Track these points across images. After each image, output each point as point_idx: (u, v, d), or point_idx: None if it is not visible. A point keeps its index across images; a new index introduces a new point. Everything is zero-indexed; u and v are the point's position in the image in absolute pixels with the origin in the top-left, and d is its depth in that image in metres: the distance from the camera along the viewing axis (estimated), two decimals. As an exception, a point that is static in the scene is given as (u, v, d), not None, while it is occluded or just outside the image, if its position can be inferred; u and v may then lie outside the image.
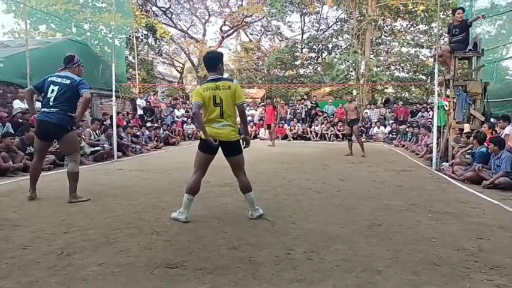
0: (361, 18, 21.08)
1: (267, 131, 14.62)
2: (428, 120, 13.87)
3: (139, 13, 21.15)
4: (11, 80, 10.34)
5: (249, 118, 14.98)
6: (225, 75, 3.97)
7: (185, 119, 15.88)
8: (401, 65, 24.18)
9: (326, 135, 15.84)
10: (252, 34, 30.00)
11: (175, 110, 16.44)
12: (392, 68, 24.57)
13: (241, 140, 3.87)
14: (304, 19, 27.25)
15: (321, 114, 17.06)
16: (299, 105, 18.27)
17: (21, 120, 8.28)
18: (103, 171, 7.20)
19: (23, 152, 7.02)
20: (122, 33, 17.17)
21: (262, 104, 17.86)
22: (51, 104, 4.43)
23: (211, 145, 3.64)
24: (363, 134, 10.81)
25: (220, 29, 28.74)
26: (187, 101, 19.63)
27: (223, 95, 3.66)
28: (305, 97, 20.32)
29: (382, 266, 2.72)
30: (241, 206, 4.33)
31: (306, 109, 17.60)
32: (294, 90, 24.73)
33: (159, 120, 14.70)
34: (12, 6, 17.61)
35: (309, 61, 26.53)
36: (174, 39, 27.50)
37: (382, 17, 21.39)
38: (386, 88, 23.51)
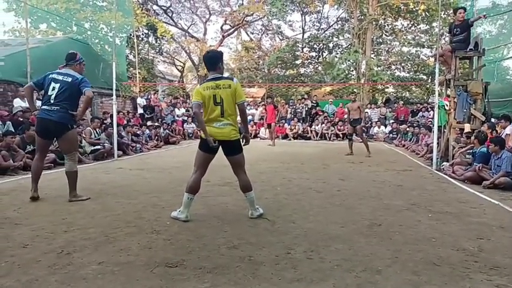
0: (362, 17, 21.07)
1: (267, 130, 14.62)
2: (429, 120, 13.87)
3: (140, 12, 21.14)
4: (11, 78, 10.35)
5: (249, 117, 14.97)
6: (226, 74, 3.97)
7: (185, 118, 15.88)
8: (402, 64, 24.16)
9: (326, 134, 15.83)
10: (252, 33, 30.03)
11: (176, 109, 16.44)
12: (393, 67, 24.56)
13: (241, 138, 3.87)
14: (305, 18, 27.27)
15: (321, 113, 17.05)
16: (299, 104, 18.26)
17: (21, 119, 8.28)
18: (103, 170, 7.21)
19: (24, 150, 7.02)
20: (123, 32, 17.17)
21: (263, 103, 17.87)
22: (52, 101, 4.39)
23: (211, 145, 3.64)
24: (363, 134, 10.79)
25: (221, 28, 28.76)
26: (188, 100, 19.62)
27: (224, 94, 3.66)
28: (306, 96, 20.32)
29: (382, 265, 2.72)
30: (241, 205, 4.33)
31: (307, 108, 17.59)
32: (295, 90, 24.74)
33: (160, 119, 14.70)
34: (13, 4, 17.63)
35: (309, 60, 26.52)
36: (175, 38, 27.51)
37: (383, 17, 21.38)
38: (387, 88, 23.50)
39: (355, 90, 19.25)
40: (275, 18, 25.30)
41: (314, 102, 18.23)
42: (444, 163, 7.56)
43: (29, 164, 6.07)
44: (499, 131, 7.06)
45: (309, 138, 15.81)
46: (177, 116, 15.97)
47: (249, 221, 3.79)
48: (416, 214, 4.16)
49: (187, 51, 28.97)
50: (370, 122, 16.66)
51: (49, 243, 3.10)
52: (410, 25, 23.30)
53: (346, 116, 16.38)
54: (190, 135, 15.24)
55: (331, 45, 24.93)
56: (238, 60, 29.33)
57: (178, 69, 31.68)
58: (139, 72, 18.96)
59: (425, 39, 22.56)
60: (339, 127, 16.00)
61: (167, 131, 13.44)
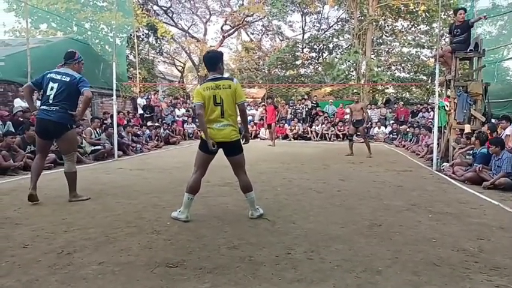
0: (362, 18, 21.08)
1: (267, 130, 14.62)
2: (429, 120, 13.86)
3: (140, 12, 21.16)
4: (12, 78, 10.35)
5: (249, 118, 14.97)
6: (226, 75, 3.96)
7: (186, 118, 15.88)
8: (402, 65, 24.16)
9: (326, 135, 15.83)
10: (252, 34, 30.05)
11: (176, 110, 16.44)
12: (393, 68, 24.56)
13: (241, 138, 3.87)
14: (305, 19, 27.29)
15: (321, 114, 17.05)
16: (300, 105, 18.26)
17: (22, 119, 8.29)
18: (103, 170, 7.21)
19: (24, 150, 7.03)
20: (123, 32, 17.18)
21: (263, 103, 17.86)
22: (50, 102, 4.33)
23: (210, 148, 3.64)
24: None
25: (221, 28, 28.76)
26: (188, 101, 19.63)
27: (224, 94, 3.66)
28: (306, 97, 20.32)
29: (382, 266, 2.72)
30: (241, 205, 4.33)
31: (307, 109, 17.58)
32: (295, 90, 24.72)
33: (160, 120, 14.70)
34: (13, 5, 17.66)
35: (309, 61, 26.53)
36: (175, 38, 27.51)
37: (383, 17, 21.38)
38: (387, 88, 23.49)
39: (355, 90, 19.31)
40: (275, 19, 25.32)
41: (314, 102, 18.23)
42: (444, 164, 7.56)
43: (29, 164, 6.06)
44: (499, 132, 7.06)
45: (309, 139, 15.80)
46: (177, 116, 15.97)
47: (249, 221, 3.79)
48: (416, 215, 4.16)
49: (188, 51, 28.99)
50: (370, 123, 16.65)
51: (49, 243, 3.10)
52: (410, 26, 23.30)
53: (347, 117, 16.57)
54: (191, 135, 15.25)
55: (331, 45, 24.94)
56: (239, 60, 29.34)
57: (178, 70, 31.69)
58: (139, 73, 18.96)
59: (425, 40, 22.56)
60: (339, 127, 16.01)
61: (167, 131, 13.44)
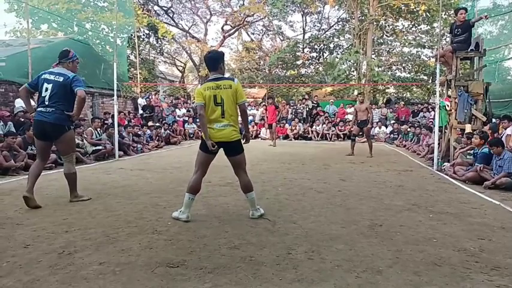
0: (363, 18, 21.06)
1: (268, 130, 14.62)
2: (430, 120, 13.86)
3: (141, 12, 21.19)
4: (13, 79, 10.37)
5: (250, 118, 14.98)
6: (227, 75, 3.96)
7: (186, 118, 15.89)
8: (403, 65, 24.13)
9: (327, 135, 15.83)
10: (253, 34, 30.03)
11: (177, 110, 16.45)
12: (394, 68, 24.53)
13: (241, 138, 3.87)
14: (305, 19, 27.27)
15: (322, 114, 17.05)
16: (300, 105, 18.25)
17: (23, 119, 8.30)
18: (104, 170, 7.22)
19: (25, 151, 7.04)
20: (124, 32, 17.21)
21: (264, 103, 17.86)
22: (46, 103, 4.27)
23: (210, 149, 3.65)
24: (361, 134, 10.76)
25: (222, 28, 28.76)
26: (189, 101, 19.65)
27: (224, 94, 3.66)
28: (306, 97, 20.28)
29: (383, 266, 2.72)
30: (242, 205, 4.34)
31: (307, 109, 17.57)
32: (296, 90, 24.75)
33: (161, 120, 14.71)
34: (14, 5, 17.68)
35: (310, 61, 26.53)
36: (176, 38, 27.52)
37: (383, 17, 21.36)
38: (388, 88, 23.48)
39: (360, 91, 19.28)
40: (276, 19, 25.32)
41: (315, 102, 18.22)
42: (445, 163, 7.55)
43: (30, 164, 6.06)
44: (500, 132, 7.05)
45: (310, 139, 15.80)
46: (178, 116, 15.97)
47: (250, 221, 3.80)
48: (417, 214, 4.15)
49: (188, 51, 29.00)
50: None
51: (50, 244, 3.10)
52: (411, 26, 23.27)
53: (348, 117, 16.60)
54: (191, 135, 15.26)
55: (331, 45, 24.93)
56: (239, 60, 29.33)
57: (179, 70, 31.72)
58: (140, 73, 18.99)
59: (426, 39, 22.53)
60: (339, 127, 16.00)
61: (168, 132, 13.45)
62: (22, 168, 6.66)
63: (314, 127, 16.25)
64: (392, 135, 14.96)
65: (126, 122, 11.91)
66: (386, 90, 23.76)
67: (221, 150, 3.79)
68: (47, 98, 4.28)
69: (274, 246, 3.10)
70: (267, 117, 13.80)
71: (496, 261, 2.84)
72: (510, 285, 2.44)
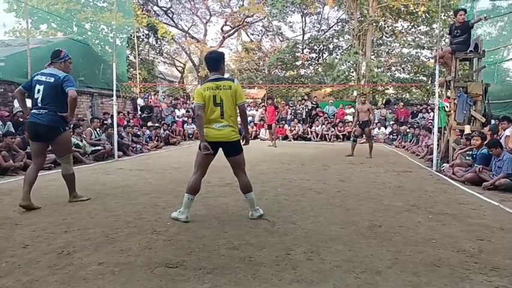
0: (362, 19, 21.08)
1: (267, 131, 14.62)
2: (429, 121, 13.87)
3: (140, 13, 21.18)
4: (12, 79, 10.36)
5: (249, 118, 14.99)
6: (226, 75, 3.96)
7: (186, 118, 15.88)
8: (402, 66, 24.18)
9: (326, 135, 15.84)
10: (253, 34, 30.06)
11: (176, 110, 16.45)
12: (393, 69, 24.57)
13: (241, 139, 3.88)
14: (305, 19, 27.30)
15: (321, 114, 17.06)
16: (300, 105, 18.26)
17: (22, 119, 8.29)
18: (103, 170, 7.21)
19: (24, 151, 7.03)
20: (123, 32, 17.21)
21: (263, 104, 17.87)
22: (39, 105, 4.20)
23: (204, 152, 3.66)
24: (363, 135, 10.75)
25: (221, 29, 28.77)
26: (188, 101, 19.65)
27: (224, 95, 3.67)
28: (306, 97, 20.31)
29: (382, 266, 2.72)
30: (241, 206, 4.34)
31: (307, 109, 17.58)
32: (295, 91, 24.76)
33: (160, 120, 14.71)
34: (13, 5, 17.66)
35: (309, 61, 26.55)
36: (175, 39, 27.52)
37: (383, 18, 21.38)
38: (387, 89, 23.50)
39: (354, 91, 19.29)
40: (275, 20, 25.34)
41: (314, 103, 18.24)
42: (444, 164, 7.56)
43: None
44: (499, 133, 7.06)
45: (309, 139, 15.80)
46: (178, 116, 15.97)
47: (249, 222, 3.80)
48: (416, 215, 4.16)
49: (188, 52, 29.01)
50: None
51: (49, 244, 3.10)
52: (410, 27, 23.29)
53: (349, 118, 16.62)
54: (191, 136, 15.25)
55: (331, 46, 24.95)
56: (239, 61, 29.34)
57: (178, 70, 31.72)
58: (139, 73, 18.99)
59: (425, 40, 22.57)
60: (339, 128, 16.01)
61: (167, 132, 13.45)
62: (21, 168, 6.65)
63: (313, 128, 16.26)
64: (391, 136, 14.97)
65: (126, 122, 11.90)
66: (386, 91, 23.77)
67: (220, 151, 3.80)
68: (39, 99, 4.21)
69: (274, 246, 3.10)
70: (266, 117, 13.80)
71: (495, 262, 2.84)
72: (509, 286, 2.45)
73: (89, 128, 9.25)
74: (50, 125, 4.21)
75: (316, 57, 26.09)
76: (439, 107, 7.92)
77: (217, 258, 2.83)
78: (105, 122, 11.01)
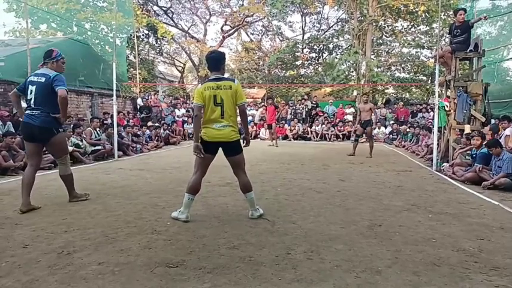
0: (362, 18, 21.08)
1: (267, 131, 14.62)
2: (429, 120, 13.87)
3: (140, 12, 21.18)
4: (12, 78, 10.36)
5: (249, 118, 14.98)
6: (226, 75, 3.96)
7: (186, 118, 15.88)
8: (402, 65, 24.18)
9: (326, 135, 15.84)
10: (252, 34, 30.06)
11: (176, 110, 16.45)
12: (393, 68, 24.57)
13: (241, 140, 3.88)
14: (305, 19, 27.30)
15: (321, 114, 17.06)
16: (300, 105, 18.26)
17: (22, 119, 8.27)
18: (103, 170, 7.21)
19: (24, 150, 7.02)
20: (123, 32, 17.21)
21: (263, 104, 17.86)
22: (32, 106, 4.16)
23: (197, 155, 3.70)
24: (363, 135, 10.74)
25: (221, 28, 28.77)
26: (188, 101, 19.65)
27: (224, 95, 3.66)
28: (306, 97, 20.31)
29: (382, 266, 2.72)
30: (241, 205, 4.34)
31: (307, 109, 17.58)
32: (295, 90, 24.76)
33: (160, 120, 14.71)
34: (13, 5, 17.66)
35: (309, 61, 26.55)
36: (175, 38, 27.52)
37: (383, 18, 21.38)
38: (387, 88, 23.50)
39: (354, 91, 19.28)
40: (275, 19, 25.34)
41: (314, 103, 18.24)
42: (444, 164, 7.56)
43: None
44: (499, 132, 7.06)
45: (309, 139, 15.80)
46: (178, 116, 15.98)
47: (249, 222, 3.80)
48: (416, 215, 4.16)
49: (188, 52, 29.00)
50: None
51: (49, 244, 3.10)
52: (410, 26, 23.30)
53: (349, 117, 16.62)
54: (191, 135, 15.21)
55: (331, 46, 24.95)
56: (239, 60, 29.34)
57: (178, 70, 31.72)
58: (139, 73, 18.98)
59: (425, 40, 22.58)
60: (338, 128, 16.01)
61: (167, 132, 13.45)
62: (21, 168, 6.64)
63: (313, 127, 16.26)
64: (391, 135, 14.97)
65: (126, 122, 11.90)
66: (386, 91, 23.78)
67: (220, 150, 3.80)
68: (32, 100, 4.18)
69: (274, 246, 3.10)
70: (266, 117, 13.80)
71: (495, 261, 2.84)
72: (509, 286, 2.45)
73: (89, 128, 9.25)
74: (43, 126, 4.16)
75: (316, 56, 26.10)
76: (439, 106, 7.92)
77: (217, 258, 2.83)
78: (105, 121, 11.01)
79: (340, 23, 26.11)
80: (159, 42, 25.43)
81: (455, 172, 6.69)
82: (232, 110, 3.74)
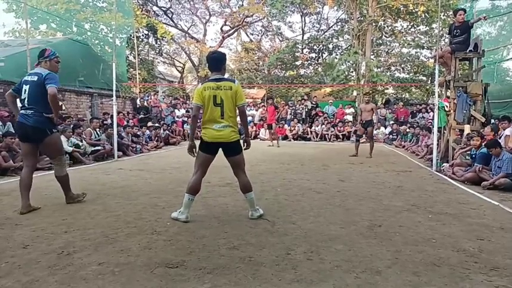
0: (362, 18, 21.08)
1: (267, 131, 14.62)
2: (429, 121, 13.88)
3: (140, 13, 21.17)
4: (11, 79, 10.34)
5: (249, 118, 14.98)
6: (226, 75, 3.97)
7: (185, 118, 15.88)
8: (402, 65, 24.18)
9: (326, 135, 15.84)
10: (252, 34, 30.06)
11: (176, 110, 16.45)
12: (393, 68, 24.58)
13: (241, 141, 3.87)
14: (304, 19, 27.29)
15: (321, 114, 17.06)
16: (299, 105, 18.26)
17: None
18: (103, 170, 7.21)
19: (24, 151, 7.02)
20: (123, 32, 17.19)
21: (263, 104, 17.86)
22: (26, 105, 4.13)
23: (190, 153, 3.77)
24: (363, 135, 10.74)
25: (221, 29, 28.77)
26: (188, 101, 19.64)
27: (224, 95, 3.66)
28: (305, 97, 20.31)
29: (382, 266, 2.72)
30: (241, 206, 4.34)
31: (307, 109, 17.59)
32: (295, 91, 24.76)
33: (160, 120, 14.71)
34: (13, 5, 17.65)
35: (309, 61, 26.55)
36: (175, 39, 27.52)
37: (382, 18, 21.38)
38: (387, 89, 23.50)
39: (354, 91, 19.28)
40: (275, 19, 25.33)
41: (314, 103, 18.25)
42: (444, 164, 7.56)
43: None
44: (499, 132, 7.06)
45: (309, 139, 15.81)
46: (177, 116, 15.97)
47: (249, 222, 3.80)
48: (416, 215, 4.16)
49: (187, 52, 29.00)
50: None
51: (49, 244, 3.10)
52: (410, 26, 23.30)
53: (349, 117, 16.61)
54: (190, 136, 15.21)
55: (330, 46, 24.95)
56: (238, 61, 29.34)
57: (178, 70, 31.72)
58: (139, 73, 18.97)
59: (425, 40, 22.58)
60: (338, 128, 16.01)
61: (167, 132, 13.45)
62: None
63: (313, 128, 16.27)
64: (391, 135, 14.98)
65: (125, 123, 11.90)
66: (385, 91, 23.78)
67: (220, 152, 3.80)
68: (26, 100, 4.15)
69: (274, 246, 3.10)
70: (266, 117, 13.80)
71: (495, 261, 2.84)
72: (509, 286, 2.45)
73: (89, 128, 9.25)
74: (36, 126, 4.11)
75: (315, 57, 26.10)
76: (438, 106, 7.92)
77: (217, 258, 2.83)
78: (105, 122, 11.01)
79: (339, 23, 26.11)
80: (158, 43, 25.43)
81: (455, 172, 6.69)
82: (232, 111, 3.74)
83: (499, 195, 5.29)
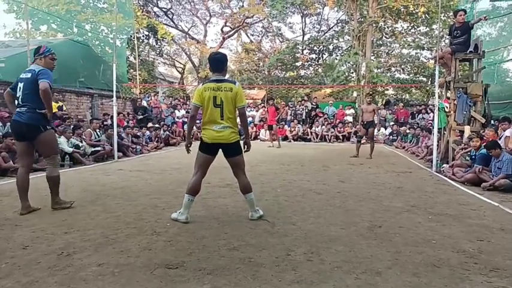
0: (362, 19, 21.10)
1: (267, 132, 14.62)
2: (429, 122, 13.88)
3: (140, 14, 21.20)
4: (12, 80, 10.25)
5: (249, 119, 14.99)
6: (226, 77, 3.97)
7: (185, 119, 15.87)
8: (402, 66, 24.19)
9: (326, 136, 15.84)
10: (252, 35, 30.09)
11: (176, 111, 16.46)
12: (393, 69, 24.58)
13: (241, 143, 3.87)
14: (305, 20, 27.33)
15: (321, 115, 17.07)
16: (299, 106, 18.26)
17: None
18: (103, 171, 7.21)
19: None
20: (123, 33, 17.21)
21: (263, 105, 17.86)
22: (20, 103, 4.10)
23: (187, 151, 3.86)
24: (364, 136, 10.73)
25: (221, 29, 28.80)
26: (188, 102, 19.65)
27: (224, 96, 3.66)
28: (305, 98, 20.32)
29: (382, 267, 2.72)
30: (241, 206, 4.34)
31: (307, 110, 17.59)
32: (295, 91, 24.76)
33: (160, 121, 14.71)
34: (13, 6, 17.67)
35: (309, 62, 26.57)
36: (175, 40, 27.54)
37: (383, 19, 21.40)
38: (387, 90, 23.51)
39: (354, 92, 19.28)
40: (275, 20, 25.39)
41: (314, 104, 18.25)
42: (444, 165, 7.56)
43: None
44: (499, 133, 7.06)
45: (309, 140, 15.82)
46: (177, 117, 15.98)
47: (249, 223, 3.79)
48: (416, 216, 4.16)
49: (188, 53, 29.03)
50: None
51: (49, 245, 3.10)
52: (410, 27, 23.32)
53: (349, 118, 16.61)
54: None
55: (331, 47, 24.99)
56: (239, 62, 29.35)
57: (178, 71, 31.72)
58: (139, 74, 18.98)
59: (425, 41, 22.58)
60: (338, 129, 16.01)
61: (167, 133, 13.45)
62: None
63: (313, 128, 16.27)
64: (391, 136, 14.98)
65: (125, 123, 11.90)
66: (386, 92, 23.78)
67: (220, 152, 3.80)
68: (20, 97, 4.13)
69: (274, 247, 3.10)
70: (266, 118, 13.80)
71: (495, 262, 2.84)
72: (509, 287, 2.45)
73: (89, 129, 9.25)
74: (30, 123, 4.06)
75: (316, 58, 26.12)
76: (439, 107, 7.92)
77: (217, 259, 2.83)
78: (105, 122, 11.01)
79: (340, 24, 26.12)
80: (159, 44, 25.46)
81: (455, 173, 6.69)
82: (232, 112, 3.74)
83: (499, 196, 5.29)
